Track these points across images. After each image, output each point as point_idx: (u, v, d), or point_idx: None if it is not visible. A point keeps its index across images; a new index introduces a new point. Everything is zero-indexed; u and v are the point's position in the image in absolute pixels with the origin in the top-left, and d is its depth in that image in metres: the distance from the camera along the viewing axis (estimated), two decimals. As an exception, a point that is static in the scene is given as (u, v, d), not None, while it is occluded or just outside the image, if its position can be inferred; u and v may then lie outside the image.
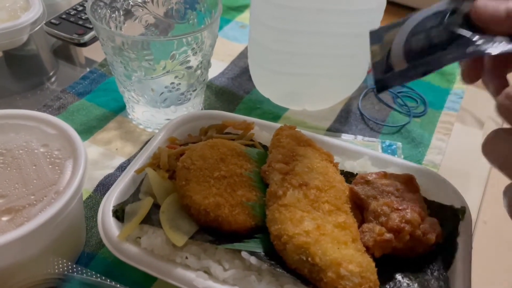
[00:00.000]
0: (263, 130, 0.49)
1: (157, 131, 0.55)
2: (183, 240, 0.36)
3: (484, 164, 0.56)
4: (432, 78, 0.68)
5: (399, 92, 0.64)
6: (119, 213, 0.39)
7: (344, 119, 0.60)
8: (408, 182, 0.41)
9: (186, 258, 0.37)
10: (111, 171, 0.51)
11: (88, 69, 0.67)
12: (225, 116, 0.50)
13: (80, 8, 0.72)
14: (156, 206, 0.39)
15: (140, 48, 0.46)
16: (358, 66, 0.57)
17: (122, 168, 0.51)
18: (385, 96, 0.64)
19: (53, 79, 0.68)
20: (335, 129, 0.58)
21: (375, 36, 0.37)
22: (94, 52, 0.70)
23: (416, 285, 0.36)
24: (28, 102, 0.63)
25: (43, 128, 0.40)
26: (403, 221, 0.36)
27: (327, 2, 0.49)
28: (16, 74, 0.68)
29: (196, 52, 0.48)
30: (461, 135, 0.60)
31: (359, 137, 0.57)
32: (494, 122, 0.62)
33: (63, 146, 0.39)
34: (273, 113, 0.60)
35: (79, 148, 0.38)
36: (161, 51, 0.47)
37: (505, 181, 0.31)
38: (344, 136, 0.57)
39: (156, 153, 0.44)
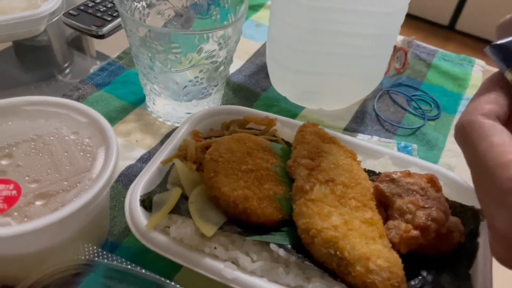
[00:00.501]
0: (285, 127, 0.50)
1: (176, 124, 0.56)
2: (213, 231, 0.37)
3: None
4: (445, 83, 0.69)
5: (413, 95, 0.65)
6: (146, 203, 0.40)
7: (360, 120, 0.61)
8: (430, 182, 0.41)
9: (215, 248, 0.37)
10: (132, 162, 0.51)
11: (98, 62, 0.67)
12: (246, 111, 0.51)
13: (98, 0, 0.72)
14: (183, 197, 0.39)
15: (168, 41, 0.47)
16: (376, 67, 0.58)
17: (143, 159, 0.51)
18: (400, 98, 0.65)
19: (67, 71, 0.68)
20: (351, 129, 0.59)
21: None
22: (105, 47, 0.70)
23: (440, 282, 0.36)
24: (43, 92, 0.62)
25: (73, 116, 0.41)
26: (429, 218, 0.37)
27: (349, 2, 0.49)
28: (27, 64, 0.68)
29: (222, 48, 0.49)
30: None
31: (375, 138, 0.58)
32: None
33: (93, 134, 0.40)
34: (290, 111, 0.61)
35: (110, 136, 0.39)
36: (188, 45, 0.48)
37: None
38: (360, 136, 0.58)
39: (182, 145, 0.44)
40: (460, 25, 2.41)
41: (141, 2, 0.53)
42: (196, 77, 0.51)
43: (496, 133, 0.27)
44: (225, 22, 0.55)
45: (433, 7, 2.40)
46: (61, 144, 0.38)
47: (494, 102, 0.28)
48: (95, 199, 0.34)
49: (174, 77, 0.51)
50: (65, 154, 0.38)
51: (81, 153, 0.38)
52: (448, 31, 2.45)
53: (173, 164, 0.42)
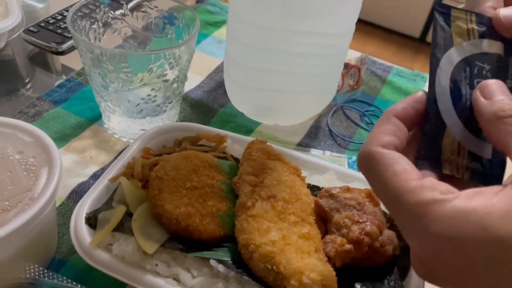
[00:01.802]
0: (236, 143, 0.51)
1: (131, 141, 0.57)
2: (154, 248, 0.38)
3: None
4: (398, 99, 0.71)
5: (366, 111, 0.68)
6: (92, 221, 0.40)
7: (313, 135, 0.63)
8: (369, 197, 0.43)
9: (156, 265, 0.38)
10: (84, 179, 0.52)
11: (64, 77, 0.67)
12: (199, 128, 0.52)
13: (59, 17, 0.72)
14: (128, 215, 0.40)
15: (118, 61, 0.48)
16: (327, 85, 0.60)
17: (96, 176, 0.52)
18: (353, 114, 0.67)
19: (28, 86, 0.68)
20: (304, 144, 0.61)
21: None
22: (72, 61, 0.71)
23: (373, 293, 0.38)
24: (2, 108, 0.63)
25: (19, 135, 0.41)
26: (363, 233, 0.39)
27: (297, 24, 0.51)
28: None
29: (173, 66, 0.50)
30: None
31: (327, 152, 0.60)
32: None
33: (38, 154, 0.40)
34: (246, 127, 0.63)
35: (54, 156, 0.39)
36: (139, 64, 0.49)
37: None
38: (313, 151, 0.60)
39: (130, 162, 0.45)
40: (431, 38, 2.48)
41: (96, 23, 0.54)
42: (148, 95, 0.52)
43: (397, 161, 0.28)
44: (180, 41, 0.56)
45: (404, 19, 2.47)
46: (5, 164, 0.39)
47: (392, 133, 0.30)
48: (35, 218, 0.35)
49: (127, 95, 0.52)
50: (8, 174, 0.38)
51: (25, 173, 0.39)
52: (420, 43, 2.52)
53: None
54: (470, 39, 0.32)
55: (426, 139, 0.31)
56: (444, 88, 0.31)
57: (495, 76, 0.31)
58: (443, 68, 0.31)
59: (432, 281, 0.28)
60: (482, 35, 0.31)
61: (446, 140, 0.30)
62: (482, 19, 0.32)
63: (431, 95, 0.31)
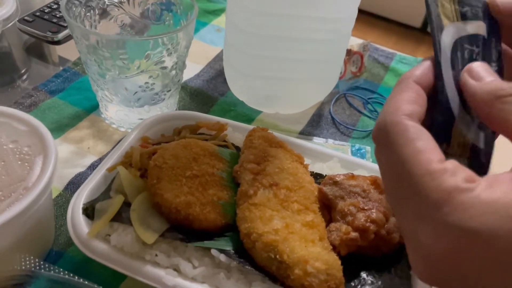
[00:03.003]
0: (236, 132, 0.50)
1: (130, 130, 0.55)
2: (153, 238, 0.37)
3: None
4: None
5: (369, 98, 0.66)
6: (89, 211, 0.39)
7: (316, 123, 0.62)
8: (374, 184, 0.42)
9: (156, 255, 0.37)
10: (82, 169, 0.50)
11: (61, 68, 0.66)
12: (199, 117, 0.51)
13: (55, 6, 0.71)
14: (126, 204, 0.39)
15: (115, 47, 0.47)
16: (330, 71, 0.58)
17: (93, 167, 0.51)
18: (356, 101, 0.66)
19: (24, 77, 0.66)
20: (307, 133, 0.60)
21: None
22: (68, 51, 0.70)
23: (380, 282, 0.37)
24: (-3, 99, 0.62)
25: (13, 124, 0.40)
26: (369, 220, 0.37)
27: (299, 9, 0.50)
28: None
29: (171, 53, 0.49)
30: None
31: (330, 141, 0.59)
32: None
33: (33, 143, 0.39)
34: (247, 115, 0.61)
35: (49, 145, 0.38)
36: (136, 51, 0.48)
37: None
38: (316, 139, 0.59)
39: (129, 151, 0.44)
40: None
41: (92, 10, 0.53)
42: (146, 83, 0.51)
43: (421, 137, 0.25)
44: (178, 27, 0.54)
45: (405, 9, 2.44)
46: (-1, 153, 0.38)
47: (414, 101, 0.27)
48: (29, 208, 0.34)
49: (124, 83, 0.50)
50: (2, 163, 0.37)
51: (19, 162, 0.37)
52: (421, 33, 2.50)
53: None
54: (455, 20, 0.30)
55: (437, 126, 0.29)
56: (447, 74, 0.29)
57: (483, 59, 0.29)
58: (443, 53, 0.29)
59: (440, 283, 0.24)
60: (464, 16, 0.30)
61: (455, 130, 0.29)
62: None
63: (440, 83, 0.29)
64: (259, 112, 0.62)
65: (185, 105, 0.61)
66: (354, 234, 0.37)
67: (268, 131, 0.47)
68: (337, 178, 0.41)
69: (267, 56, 0.55)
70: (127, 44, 0.47)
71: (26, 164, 0.37)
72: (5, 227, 0.32)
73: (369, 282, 0.37)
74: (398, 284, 0.37)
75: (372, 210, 0.38)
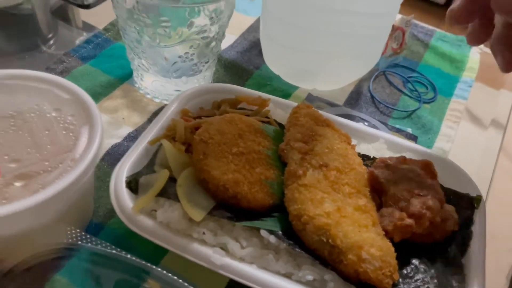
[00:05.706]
0: (278, 108, 0.48)
1: (165, 102, 0.54)
2: (202, 215, 0.35)
3: (491, 154, 0.56)
4: (442, 65, 0.67)
5: (409, 77, 0.64)
6: (133, 184, 0.38)
7: (354, 101, 0.59)
8: (426, 168, 0.40)
9: (203, 233, 0.36)
10: (118, 140, 0.49)
11: (84, 34, 0.64)
12: (239, 90, 0.49)
13: (85, -33, 0.68)
14: (171, 179, 0.38)
15: (156, 14, 0.44)
16: (374, 47, 0.56)
17: (129, 138, 0.49)
18: (396, 80, 0.63)
19: (51, 42, 0.64)
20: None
21: None
22: (92, 17, 0.67)
23: (433, 271, 0.36)
24: (26, 64, 0.60)
25: (55, 92, 0.38)
26: (424, 207, 0.36)
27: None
28: (10, 33, 0.64)
29: (214, 22, 0.47)
30: (469, 124, 0.60)
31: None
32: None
33: (77, 112, 0.37)
34: (283, 91, 0.59)
35: (95, 115, 0.37)
36: (178, 19, 0.45)
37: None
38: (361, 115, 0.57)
39: (171, 124, 0.43)
40: (456, 4, 2.37)
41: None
42: (186, 52, 0.48)
43: None
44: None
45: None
46: (43, 122, 0.36)
47: None
48: (78, 181, 0.33)
49: (163, 52, 0.48)
50: (46, 132, 0.36)
51: (64, 132, 0.36)
52: (444, 10, 2.42)
53: (161, 144, 0.40)
54: None
55: None
56: None
57: None
58: None
59: None
60: None
61: None
62: None
63: None
64: (296, 87, 0.60)
65: (220, 78, 0.59)
66: (409, 221, 0.35)
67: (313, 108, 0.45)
68: (389, 161, 0.40)
69: (309, 27, 0.52)
70: (168, 11, 0.45)
71: (71, 134, 0.36)
72: (54, 200, 0.31)
73: (422, 270, 0.36)
74: (451, 273, 0.36)
75: (428, 196, 0.37)
